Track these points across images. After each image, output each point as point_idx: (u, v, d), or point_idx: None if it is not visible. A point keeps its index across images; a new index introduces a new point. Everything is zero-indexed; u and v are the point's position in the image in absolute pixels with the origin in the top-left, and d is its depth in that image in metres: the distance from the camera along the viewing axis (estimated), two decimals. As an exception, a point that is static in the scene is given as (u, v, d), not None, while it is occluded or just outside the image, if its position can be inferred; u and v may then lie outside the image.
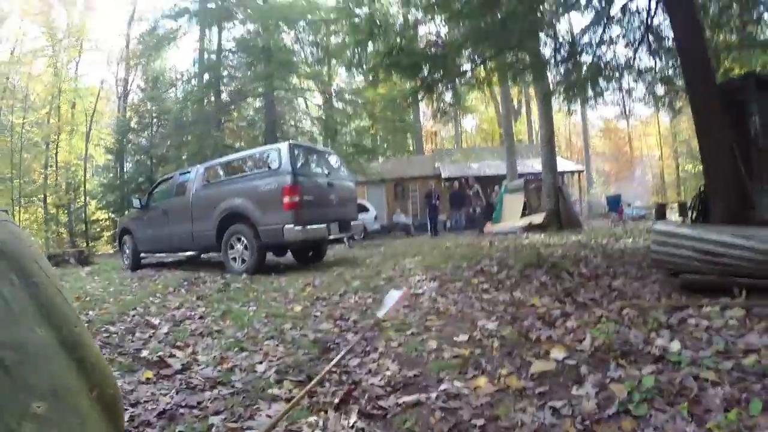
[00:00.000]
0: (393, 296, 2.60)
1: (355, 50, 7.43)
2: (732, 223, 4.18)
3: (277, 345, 3.14)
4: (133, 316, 4.27)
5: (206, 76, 18.73)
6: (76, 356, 0.88)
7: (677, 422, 1.65)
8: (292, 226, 6.46)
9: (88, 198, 24.22)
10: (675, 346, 2.33)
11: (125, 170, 23.62)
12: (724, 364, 2.08)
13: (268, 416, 2.02)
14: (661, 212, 15.19)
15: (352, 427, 1.90)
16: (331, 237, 7.23)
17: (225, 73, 19.00)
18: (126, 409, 2.16)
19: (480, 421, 1.85)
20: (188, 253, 8.10)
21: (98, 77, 43.23)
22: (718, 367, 2.06)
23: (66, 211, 24.66)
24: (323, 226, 6.84)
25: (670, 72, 7.86)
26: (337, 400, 2.12)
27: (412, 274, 5.65)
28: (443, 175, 21.24)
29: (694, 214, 6.44)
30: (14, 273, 0.83)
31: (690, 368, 2.06)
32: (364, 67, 7.73)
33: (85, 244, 22.01)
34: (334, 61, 16.64)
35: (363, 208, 16.71)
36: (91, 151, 25.09)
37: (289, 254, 8.88)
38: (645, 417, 1.74)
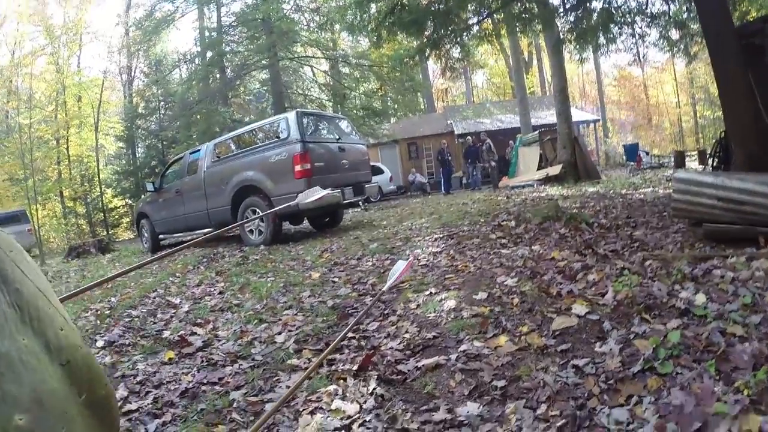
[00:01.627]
0: (398, 268, 2.57)
1: (356, 12, 7.24)
2: (754, 170, 4.03)
3: (296, 314, 3.15)
4: (154, 297, 4.32)
5: (209, 54, 18.52)
6: (63, 361, 0.85)
7: (705, 380, 1.58)
8: None
9: (103, 187, 24.51)
10: (700, 299, 2.24)
11: (137, 156, 23.85)
12: (752, 318, 1.99)
13: (288, 387, 2.03)
14: (680, 160, 14.85)
15: (372, 393, 1.89)
16: (346, 201, 7.19)
17: (227, 48, 18.75)
18: (149, 392, 2.19)
19: (501, 382, 1.83)
20: (205, 231, 8.15)
21: (101, 68, 43.13)
22: (745, 321, 1.97)
23: (83, 203, 25.02)
24: (337, 191, 6.81)
25: (685, 16, 7.55)
26: (355, 367, 2.11)
27: (429, 233, 5.61)
28: (456, 132, 20.93)
29: (715, 162, 6.27)
30: None
31: (717, 322, 1.98)
32: (367, 28, 7.53)
33: (105, 233, 22.42)
34: (337, 26, 16.27)
35: (377, 170, 16.63)
36: (101, 141, 25.15)
37: (306, 222, 8.91)
38: (671, 375, 1.68)
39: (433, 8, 7.01)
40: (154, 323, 3.43)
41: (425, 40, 7.36)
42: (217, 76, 18.98)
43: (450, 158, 16.66)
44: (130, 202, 22.82)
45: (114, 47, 26.32)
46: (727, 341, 1.82)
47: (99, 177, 24.43)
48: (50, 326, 0.85)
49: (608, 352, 1.91)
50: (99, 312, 3.94)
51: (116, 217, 24.94)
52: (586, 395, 1.65)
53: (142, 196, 12.34)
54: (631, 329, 2.08)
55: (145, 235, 9.50)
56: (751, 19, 6.80)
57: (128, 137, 23.42)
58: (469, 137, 16.97)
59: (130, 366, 2.55)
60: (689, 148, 24.91)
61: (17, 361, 0.73)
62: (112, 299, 4.44)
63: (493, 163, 15.64)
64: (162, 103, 22.13)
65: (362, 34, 8.06)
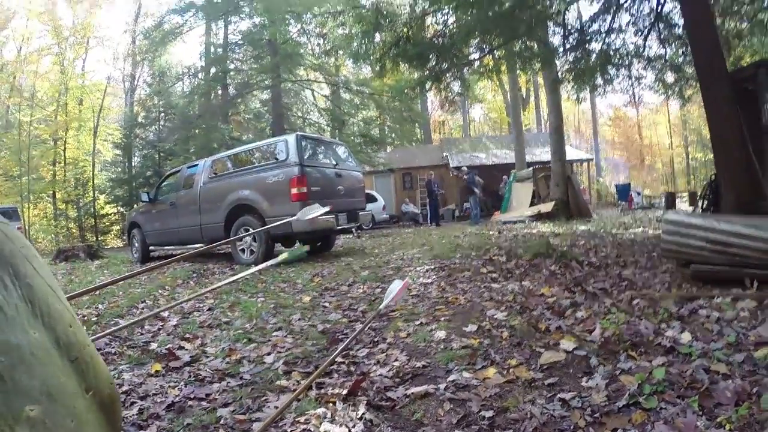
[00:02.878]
0: (394, 289, 2.61)
1: (362, 41, 7.39)
2: (743, 213, 4.13)
3: (286, 336, 3.14)
4: (142, 308, 4.30)
5: (213, 70, 18.75)
6: (72, 357, 0.87)
7: (688, 416, 1.62)
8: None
9: (96, 193, 24.37)
10: (686, 337, 2.30)
11: (133, 165, 23.78)
12: (736, 356, 2.05)
13: (276, 407, 2.02)
14: (670, 201, 15.08)
15: (361, 418, 1.89)
16: (339, 227, 7.21)
17: (231, 66, 19.00)
18: (135, 402, 2.18)
19: (489, 413, 1.84)
20: (197, 246, 8.13)
21: (105, 73, 43.30)
22: (729, 359, 2.03)
23: (75, 207, 24.85)
24: (331, 216, 6.83)
25: (680, 60, 7.78)
26: (345, 392, 2.11)
27: (421, 264, 5.64)
28: (451, 165, 21.14)
29: (705, 204, 6.39)
30: (7, 275, 0.82)
31: (701, 360, 2.04)
32: (371, 57, 7.69)
33: (94, 239, 22.22)
34: (341, 52, 16.58)
35: (371, 198, 16.63)
36: (98, 146, 25.17)
37: (297, 245, 8.90)
38: (655, 410, 1.71)
39: (436, 42, 7.19)
40: (142, 334, 3.41)
41: (427, 72, 7.52)
42: (219, 92, 19.18)
43: (436, 189, 16.11)
44: (122, 210, 22.69)
45: (120, 54, 26.64)
46: (711, 378, 1.86)
47: (93, 182, 24.34)
48: (60, 322, 0.87)
49: (595, 386, 1.94)
50: (86, 318, 3.92)
51: (107, 224, 24.73)
52: (572, 428, 1.68)
53: (135, 206, 12.31)
54: (617, 365, 2.11)
55: (136, 245, 9.45)
56: (745, 65, 7.01)
57: (126, 145, 23.40)
58: (464, 167, 16.85)
59: (116, 375, 2.53)
60: (680, 189, 25.27)
61: (28, 354, 0.75)
62: (100, 306, 4.42)
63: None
64: (162, 114, 22.20)
65: (366, 63, 8.22)
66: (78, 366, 0.87)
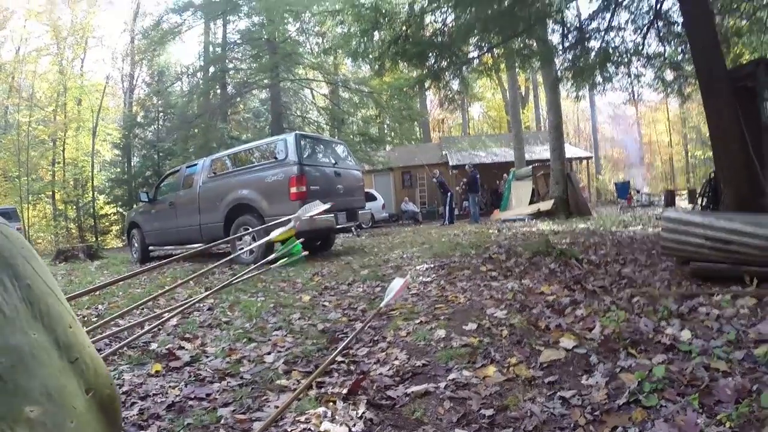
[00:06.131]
0: (394, 287, 2.61)
1: (361, 40, 7.37)
2: (743, 211, 4.13)
3: (286, 335, 3.14)
4: (142, 308, 4.28)
5: (211, 69, 18.73)
6: (72, 358, 0.87)
7: (688, 414, 1.62)
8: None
9: (96, 193, 24.37)
10: (686, 335, 2.30)
11: (132, 165, 23.79)
12: (735, 354, 2.04)
13: (276, 407, 2.02)
14: (670, 199, 15.09)
15: (361, 417, 1.89)
16: (339, 226, 7.21)
17: (230, 65, 18.99)
18: (135, 403, 2.18)
19: (489, 411, 1.84)
20: (196, 245, 8.13)
21: (104, 73, 43.24)
22: (729, 357, 2.02)
23: (74, 207, 24.86)
24: (330, 215, 6.83)
25: (680, 57, 7.77)
26: (345, 391, 2.11)
27: (420, 263, 5.64)
28: (450, 163, 21.13)
29: (704, 201, 6.40)
30: (6, 276, 0.82)
31: (701, 358, 2.03)
32: (370, 56, 7.68)
33: (94, 239, 22.21)
34: (339, 51, 16.58)
35: (371, 197, 16.61)
36: (98, 146, 25.17)
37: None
38: (656, 408, 1.71)
39: (435, 40, 7.18)
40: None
41: (426, 71, 7.51)
42: (218, 91, 19.17)
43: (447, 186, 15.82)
44: (121, 210, 22.70)
45: (118, 54, 26.64)
46: (711, 376, 1.86)
47: (92, 182, 24.32)
48: (60, 323, 0.87)
49: (594, 384, 1.94)
50: (86, 319, 3.92)
51: (106, 224, 24.76)
52: (572, 426, 1.68)
53: (135, 206, 12.31)
54: (617, 363, 2.11)
55: (135, 245, 9.45)
56: (744, 62, 7.01)
57: (125, 145, 23.44)
58: (467, 165, 16.69)
59: (116, 376, 2.53)
60: (680, 187, 25.28)
61: (28, 355, 0.75)
62: (100, 306, 4.41)
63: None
64: (161, 114, 22.24)
65: (365, 61, 8.21)
66: (78, 367, 0.87)
